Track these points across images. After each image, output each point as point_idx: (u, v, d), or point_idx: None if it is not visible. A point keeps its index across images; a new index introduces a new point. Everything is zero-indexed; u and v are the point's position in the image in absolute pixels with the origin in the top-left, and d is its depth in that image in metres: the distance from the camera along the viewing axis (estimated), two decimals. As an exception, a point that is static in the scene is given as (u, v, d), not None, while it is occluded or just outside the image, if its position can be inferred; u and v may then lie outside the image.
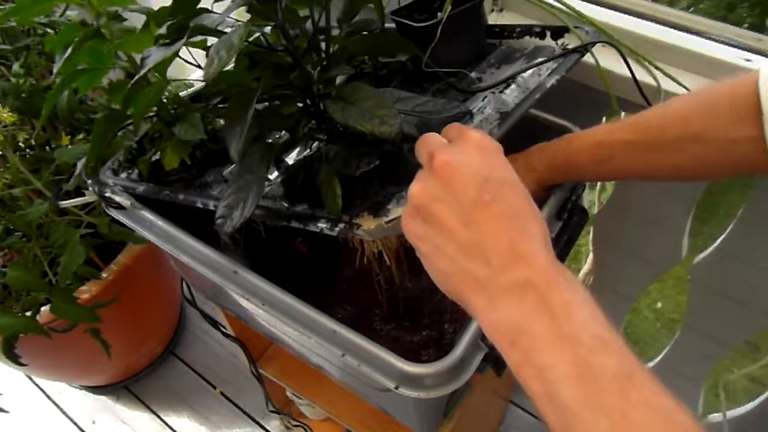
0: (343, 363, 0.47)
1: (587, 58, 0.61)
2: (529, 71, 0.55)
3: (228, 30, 0.40)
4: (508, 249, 0.32)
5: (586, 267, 1.17)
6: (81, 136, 0.86)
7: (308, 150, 0.52)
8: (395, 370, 0.45)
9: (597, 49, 0.63)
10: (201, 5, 0.42)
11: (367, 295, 0.64)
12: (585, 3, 0.68)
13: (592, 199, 1.33)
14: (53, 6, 0.55)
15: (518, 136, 0.53)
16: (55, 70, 0.51)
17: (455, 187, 0.33)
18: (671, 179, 0.51)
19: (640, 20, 0.67)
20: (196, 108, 0.55)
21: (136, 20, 0.55)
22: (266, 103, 0.48)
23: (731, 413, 0.98)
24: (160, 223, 0.57)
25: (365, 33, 0.49)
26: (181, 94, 0.57)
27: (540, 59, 0.56)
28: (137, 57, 0.46)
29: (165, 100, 0.54)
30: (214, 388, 1.35)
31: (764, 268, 0.74)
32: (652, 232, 0.84)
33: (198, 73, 0.60)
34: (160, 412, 1.33)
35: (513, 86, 0.53)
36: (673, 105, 0.47)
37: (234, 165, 0.54)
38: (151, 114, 0.55)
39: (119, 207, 0.58)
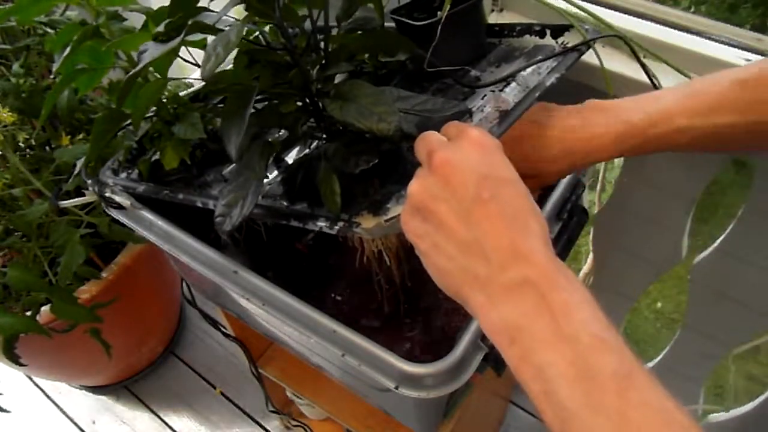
0: (343, 363, 0.47)
1: (586, 57, 0.60)
2: (529, 69, 0.55)
3: (226, 28, 0.40)
4: (508, 247, 0.31)
5: (586, 267, 1.17)
6: (81, 136, 0.86)
7: (307, 149, 0.52)
8: (395, 370, 0.45)
9: (597, 48, 0.63)
10: (200, 5, 0.42)
11: (367, 295, 0.64)
12: (585, 3, 0.68)
13: (592, 199, 1.33)
14: (53, 6, 0.55)
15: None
16: (54, 70, 0.51)
17: (454, 185, 0.33)
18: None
19: (640, 20, 0.67)
20: (195, 107, 0.55)
21: (136, 20, 0.55)
22: (265, 102, 0.48)
23: (731, 413, 0.98)
24: (160, 223, 0.57)
25: (364, 31, 0.49)
26: (180, 93, 0.57)
27: (540, 57, 0.56)
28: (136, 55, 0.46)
29: (165, 100, 0.54)
30: (214, 388, 1.35)
31: (764, 268, 0.74)
32: (652, 232, 0.84)
33: (197, 73, 0.60)
34: (160, 412, 1.33)
35: (513, 84, 0.53)
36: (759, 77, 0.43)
37: (233, 164, 0.54)
38: (150, 114, 0.55)
39: (119, 207, 0.58)
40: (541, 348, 0.29)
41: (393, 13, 0.58)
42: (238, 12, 0.42)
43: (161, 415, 1.32)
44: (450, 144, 0.35)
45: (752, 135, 0.44)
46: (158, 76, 0.49)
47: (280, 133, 0.54)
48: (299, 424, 1.14)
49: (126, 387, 1.36)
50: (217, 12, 0.41)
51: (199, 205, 0.51)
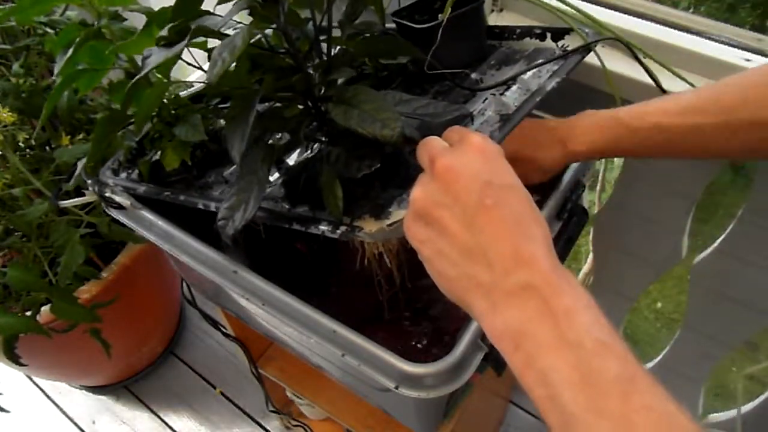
0: (343, 363, 0.47)
1: (587, 58, 0.61)
2: (530, 73, 0.55)
3: (230, 32, 0.40)
4: (511, 253, 0.32)
5: (586, 267, 1.17)
6: (81, 136, 0.86)
7: (309, 151, 0.52)
8: (395, 370, 0.45)
9: (598, 50, 0.63)
10: (201, 7, 0.42)
11: (367, 295, 0.64)
12: (585, 3, 0.68)
13: (592, 199, 1.33)
14: (53, 6, 0.55)
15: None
16: (55, 71, 0.51)
17: (457, 192, 0.33)
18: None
19: (640, 20, 0.67)
20: (196, 108, 0.55)
21: (136, 20, 0.55)
22: (267, 104, 0.48)
23: (731, 413, 0.98)
24: (160, 223, 0.57)
25: (367, 35, 0.49)
26: (181, 94, 0.57)
27: (541, 60, 0.56)
28: (138, 57, 0.46)
29: (166, 101, 0.54)
30: (214, 388, 1.35)
31: (764, 268, 0.74)
32: (652, 232, 0.84)
33: (198, 74, 0.60)
34: (160, 412, 1.33)
35: (514, 88, 0.53)
36: (747, 83, 0.46)
37: (235, 166, 0.54)
38: (151, 114, 0.55)
39: (119, 207, 0.58)
40: (544, 353, 0.29)
41: (394, 16, 0.58)
42: (240, 15, 0.42)
43: (161, 415, 1.32)
44: (452, 150, 0.36)
45: (727, 138, 0.47)
46: (160, 77, 0.49)
47: (282, 135, 0.54)
48: (299, 424, 1.14)
49: (126, 387, 1.36)
50: (218, 15, 0.41)
51: (201, 207, 0.51)
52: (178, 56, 0.40)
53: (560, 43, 0.60)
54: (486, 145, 0.35)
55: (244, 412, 1.30)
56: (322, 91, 0.46)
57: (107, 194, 0.58)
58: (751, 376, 1.19)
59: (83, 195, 0.67)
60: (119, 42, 0.53)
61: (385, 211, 0.42)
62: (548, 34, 0.60)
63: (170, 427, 1.30)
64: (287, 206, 0.47)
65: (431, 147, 0.36)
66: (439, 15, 0.54)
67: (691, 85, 0.62)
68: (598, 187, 1.28)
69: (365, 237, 0.42)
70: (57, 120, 0.85)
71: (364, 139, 0.40)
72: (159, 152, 0.56)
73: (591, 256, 1.01)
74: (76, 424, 1.32)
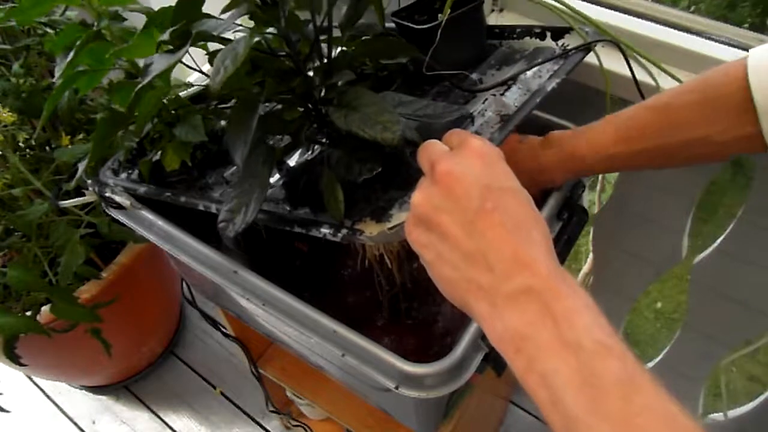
0: (343, 363, 0.47)
1: (588, 58, 0.61)
2: (530, 72, 0.55)
3: (230, 35, 0.40)
4: (511, 257, 0.32)
5: (586, 267, 1.17)
6: (81, 136, 0.86)
7: (309, 152, 0.52)
8: (395, 370, 0.45)
9: (598, 50, 0.63)
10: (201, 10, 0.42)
11: (368, 295, 0.64)
12: (585, 3, 0.68)
13: (592, 199, 1.33)
14: (53, 6, 0.55)
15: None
16: (56, 73, 0.51)
17: (457, 196, 0.34)
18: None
19: (640, 20, 0.67)
20: (196, 109, 0.55)
21: (136, 20, 0.55)
22: (267, 105, 0.48)
23: (731, 413, 0.98)
24: (160, 223, 0.57)
25: (367, 37, 0.49)
26: (181, 94, 0.57)
27: (541, 60, 0.56)
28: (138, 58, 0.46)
29: (166, 102, 0.54)
30: (214, 388, 1.35)
31: (764, 267, 0.74)
32: (652, 232, 0.84)
33: (197, 75, 0.60)
34: (160, 412, 1.33)
35: (514, 88, 0.53)
36: (671, 108, 0.48)
37: (235, 167, 0.54)
38: (152, 116, 0.55)
39: (119, 207, 0.58)
40: (545, 356, 0.29)
41: (394, 16, 0.58)
42: (241, 18, 0.42)
43: (161, 415, 1.32)
44: (452, 154, 0.36)
45: (668, 155, 0.49)
46: (161, 82, 0.49)
47: (283, 139, 0.54)
48: (299, 424, 1.14)
49: (126, 387, 1.36)
50: (219, 18, 0.41)
51: (201, 208, 0.51)
52: (179, 61, 0.40)
53: (560, 43, 0.60)
54: (485, 149, 0.36)
55: (244, 412, 1.30)
56: (323, 93, 0.46)
57: (107, 194, 0.58)
58: (752, 376, 1.19)
59: (83, 195, 0.67)
60: (119, 43, 0.53)
61: (386, 213, 0.42)
62: (548, 34, 0.60)
63: (170, 427, 1.30)
64: (288, 208, 0.47)
65: (431, 151, 0.37)
66: (439, 15, 0.54)
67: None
68: (598, 187, 1.28)
69: (366, 240, 0.42)
70: (57, 120, 0.85)
71: (364, 142, 0.40)
72: (159, 152, 0.56)
73: (591, 256, 1.01)
74: (76, 424, 1.32)
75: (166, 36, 0.39)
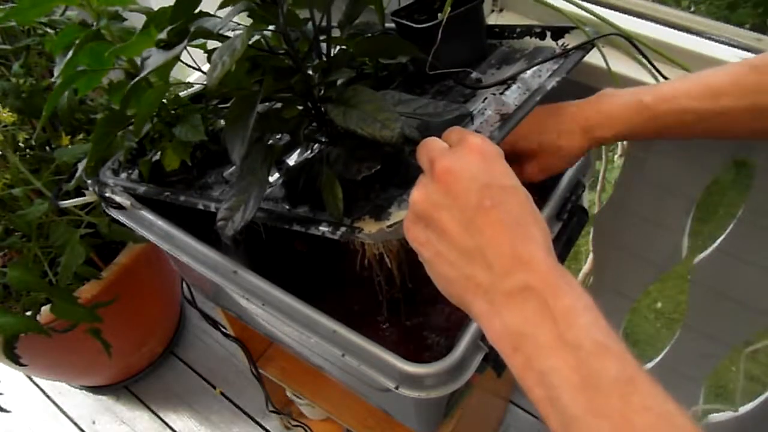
0: (343, 363, 0.47)
1: (589, 58, 0.60)
2: (530, 71, 0.55)
3: (229, 33, 0.40)
4: (510, 254, 0.32)
5: (586, 267, 1.17)
6: (81, 136, 0.86)
7: (309, 151, 0.52)
8: (395, 370, 0.45)
9: (598, 49, 0.63)
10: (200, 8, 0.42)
11: (367, 295, 0.64)
12: (584, 3, 0.68)
13: (592, 199, 1.33)
14: (53, 7, 0.55)
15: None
16: (56, 73, 0.51)
17: (456, 194, 0.34)
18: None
19: (640, 20, 0.67)
20: (196, 109, 0.55)
21: (136, 20, 0.55)
22: (267, 105, 0.48)
23: (731, 413, 0.98)
24: (160, 223, 0.57)
25: (367, 36, 0.49)
26: (181, 94, 0.57)
27: (541, 58, 0.56)
28: (137, 57, 0.46)
29: (165, 101, 0.54)
30: (214, 388, 1.35)
31: (764, 267, 0.74)
32: (652, 232, 0.84)
33: (197, 74, 0.61)
34: (160, 412, 1.33)
35: (514, 87, 0.53)
36: (757, 65, 0.46)
37: (235, 166, 0.54)
38: (151, 116, 0.55)
39: (119, 207, 0.58)
40: (544, 354, 0.29)
41: (394, 15, 0.58)
42: (240, 16, 0.42)
43: (161, 415, 1.32)
44: (451, 152, 0.36)
45: (755, 119, 0.47)
46: (159, 80, 0.49)
47: (282, 137, 0.54)
48: (299, 424, 1.14)
49: (126, 387, 1.36)
50: (217, 16, 0.41)
51: (201, 207, 0.51)
52: (178, 58, 0.40)
53: (560, 42, 0.60)
54: (485, 147, 0.36)
55: (244, 412, 1.30)
56: (322, 91, 0.46)
57: (107, 194, 0.58)
58: (752, 376, 1.19)
59: (83, 195, 0.67)
60: (119, 43, 0.53)
61: (385, 211, 0.42)
62: (548, 33, 0.60)
63: (170, 427, 1.30)
64: (287, 207, 0.47)
65: (431, 149, 0.37)
66: (439, 14, 0.54)
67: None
68: (598, 187, 1.28)
69: (365, 238, 0.42)
70: (57, 120, 0.85)
71: (363, 140, 0.40)
72: (159, 152, 0.56)
73: (591, 256, 1.01)
74: (76, 424, 1.32)
75: (163, 35, 0.39)
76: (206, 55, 0.45)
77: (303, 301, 0.50)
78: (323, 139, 0.48)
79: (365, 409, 0.87)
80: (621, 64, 0.64)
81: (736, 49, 0.63)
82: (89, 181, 0.60)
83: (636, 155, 0.77)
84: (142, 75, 0.39)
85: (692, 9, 1.61)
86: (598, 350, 0.28)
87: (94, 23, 0.54)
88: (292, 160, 0.53)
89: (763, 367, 1.27)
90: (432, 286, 0.37)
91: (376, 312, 0.65)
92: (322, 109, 0.45)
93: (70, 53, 0.48)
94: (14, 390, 1.39)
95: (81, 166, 0.59)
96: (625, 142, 0.77)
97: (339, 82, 0.47)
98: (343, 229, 0.43)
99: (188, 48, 0.49)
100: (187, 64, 0.49)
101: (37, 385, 1.39)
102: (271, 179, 0.51)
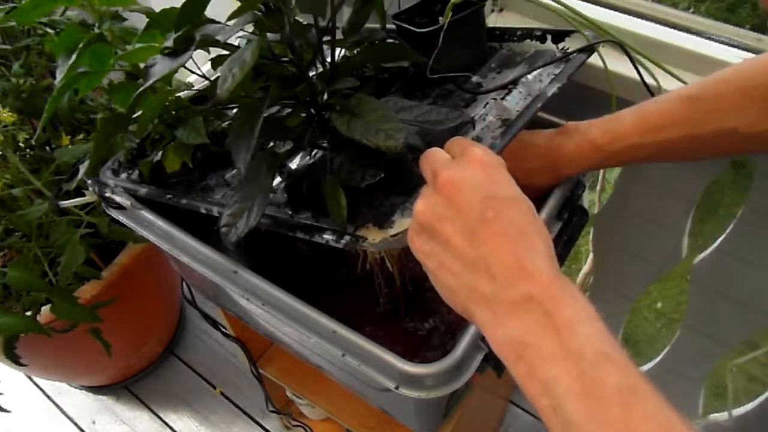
0: (343, 363, 0.47)
1: (589, 58, 0.60)
2: (531, 76, 0.55)
3: (233, 40, 0.40)
4: (513, 265, 0.32)
5: (586, 267, 1.17)
6: (81, 136, 0.86)
7: (310, 157, 0.52)
8: (395, 370, 0.45)
9: (600, 50, 0.63)
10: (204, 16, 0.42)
11: (368, 295, 0.64)
12: (585, 3, 0.68)
13: (592, 199, 1.33)
14: (54, 8, 0.55)
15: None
16: (57, 75, 0.51)
17: (459, 205, 0.34)
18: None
19: (640, 20, 0.67)
20: (197, 110, 0.55)
21: (136, 20, 0.55)
22: (271, 112, 0.48)
23: (731, 413, 0.98)
24: (160, 223, 0.57)
25: (370, 44, 0.49)
26: (182, 95, 0.57)
27: (542, 63, 0.56)
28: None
29: (167, 103, 0.54)
30: (214, 388, 1.35)
31: (764, 267, 0.74)
32: (652, 232, 0.84)
33: (196, 76, 0.61)
34: (160, 412, 1.33)
35: (515, 92, 0.53)
36: (703, 98, 0.48)
37: (236, 169, 0.54)
38: (154, 119, 0.55)
39: (119, 207, 0.58)
40: (546, 364, 0.29)
41: (395, 18, 0.58)
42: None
43: (161, 415, 1.32)
44: (454, 163, 0.36)
45: (696, 148, 0.50)
46: (163, 85, 0.49)
47: (285, 143, 0.54)
48: (299, 424, 1.14)
49: (126, 387, 1.36)
50: (221, 23, 0.41)
51: (203, 211, 0.52)
52: (182, 65, 0.40)
53: (560, 46, 0.60)
54: (487, 158, 0.36)
55: (244, 412, 1.30)
56: (326, 99, 0.46)
57: (107, 194, 0.58)
58: (752, 376, 1.19)
59: (83, 195, 0.67)
60: (120, 44, 0.53)
61: (388, 219, 0.43)
62: (549, 36, 0.60)
63: (170, 427, 1.30)
64: (290, 212, 0.47)
65: (434, 160, 0.37)
66: (440, 18, 0.54)
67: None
68: (598, 187, 1.28)
69: (369, 246, 0.42)
70: (57, 120, 0.85)
71: (367, 148, 0.40)
72: (160, 153, 0.56)
73: (591, 256, 1.01)
74: (76, 424, 1.32)
75: (170, 42, 0.39)
76: (210, 61, 0.45)
77: (303, 301, 0.50)
78: (327, 146, 0.49)
79: (365, 409, 0.87)
80: (620, 65, 0.64)
81: (736, 49, 0.63)
82: (89, 181, 0.60)
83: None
84: (147, 84, 0.39)
85: (691, 10, 1.61)
86: (600, 360, 0.28)
87: (95, 23, 0.54)
88: (293, 164, 0.53)
89: (763, 367, 1.27)
90: (432, 287, 0.37)
91: (376, 312, 0.65)
92: (326, 116, 0.46)
93: (74, 56, 0.48)
94: (14, 390, 1.39)
95: (82, 167, 0.59)
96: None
97: (343, 90, 0.47)
98: (347, 237, 0.43)
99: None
100: (190, 70, 0.49)
101: (37, 385, 1.39)
102: (273, 183, 0.52)
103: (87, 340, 0.87)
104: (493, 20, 0.75)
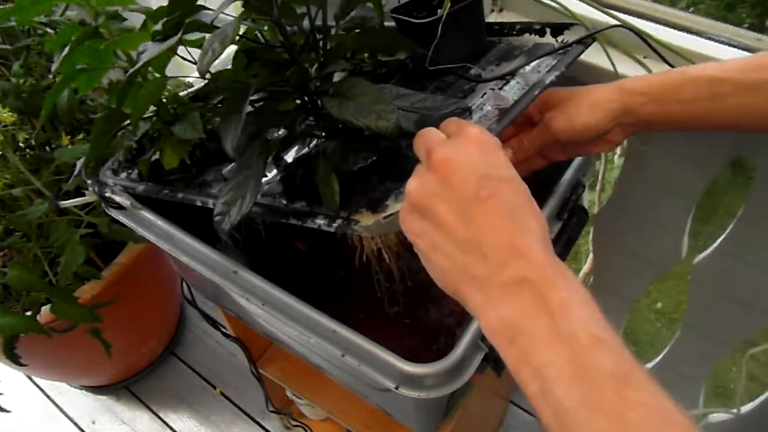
0: (343, 363, 0.47)
1: (586, 57, 0.60)
2: (529, 67, 0.55)
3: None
4: (506, 246, 0.31)
5: (586, 267, 1.17)
6: (81, 136, 0.86)
7: (306, 147, 0.52)
8: (395, 370, 0.45)
9: (595, 49, 0.63)
10: (198, 3, 0.42)
11: (367, 295, 0.64)
12: (585, 4, 0.68)
13: (592, 199, 1.33)
14: (53, 6, 0.55)
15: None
16: (53, 70, 0.51)
17: (453, 184, 0.33)
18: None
19: (640, 20, 0.67)
20: (195, 107, 0.55)
21: (136, 20, 0.55)
22: (263, 101, 0.48)
23: (731, 413, 0.98)
24: (159, 222, 0.57)
25: (363, 29, 0.49)
26: (180, 93, 0.57)
27: (541, 53, 0.56)
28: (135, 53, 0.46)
29: (164, 100, 0.54)
30: (214, 388, 1.35)
31: (764, 267, 0.74)
32: (652, 232, 0.84)
33: (196, 74, 0.61)
34: (160, 412, 1.33)
35: (512, 82, 0.53)
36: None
37: (233, 164, 0.54)
38: (150, 114, 0.55)
39: (119, 207, 0.58)
40: (539, 347, 0.29)
41: (393, 12, 0.58)
42: (237, 9, 0.42)
43: (161, 415, 1.32)
44: (449, 142, 0.35)
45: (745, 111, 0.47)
46: (156, 75, 0.49)
47: (279, 133, 0.54)
48: (299, 424, 1.14)
49: (126, 387, 1.36)
50: (214, 10, 0.41)
51: (199, 204, 0.51)
52: (174, 51, 0.40)
53: (560, 39, 0.60)
54: (483, 137, 0.35)
55: (244, 412, 1.30)
56: (318, 85, 0.46)
57: (107, 194, 0.58)
58: (752, 376, 1.19)
59: (83, 195, 0.67)
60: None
61: (381, 204, 0.42)
62: (548, 30, 0.60)
63: (170, 427, 1.30)
64: (284, 201, 0.47)
65: (428, 139, 0.36)
66: (438, 10, 0.54)
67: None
68: (598, 187, 1.28)
69: (361, 230, 0.41)
70: (57, 120, 0.85)
71: (360, 133, 0.40)
72: (158, 152, 0.56)
73: (591, 256, 1.01)
74: (76, 424, 1.32)
75: (159, 26, 0.39)
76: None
77: (303, 300, 0.50)
78: (320, 134, 0.48)
79: (365, 409, 0.87)
80: (622, 63, 0.64)
81: (736, 49, 0.63)
82: (89, 181, 0.60)
83: (636, 152, 0.77)
84: (136, 67, 0.39)
85: (690, 10, 1.61)
86: (593, 344, 0.28)
87: (93, 22, 0.54)
88: (290, 157, 0.53)
89: (763, 367, 1.27)
90: (432, 283, 0.36)
91: (376, 311, 0.65)
92: (319, 102, 0.45)
93: (67, 49, 0.48)
94: (14, 390, 1.39)
95: (79, 163, 0.59)
96: (624, 143, 0.77)
97: (336, 76, 0.47)
98: (339, 221, 0.42)
99: (189, 48, 0.49)
100: (184, 59, 0.49)
101: (37, 385, 1.39)
102: (269, 176, 0.51)
103: (87, 340, 0.87)
104: (493, 20, 0.75)
